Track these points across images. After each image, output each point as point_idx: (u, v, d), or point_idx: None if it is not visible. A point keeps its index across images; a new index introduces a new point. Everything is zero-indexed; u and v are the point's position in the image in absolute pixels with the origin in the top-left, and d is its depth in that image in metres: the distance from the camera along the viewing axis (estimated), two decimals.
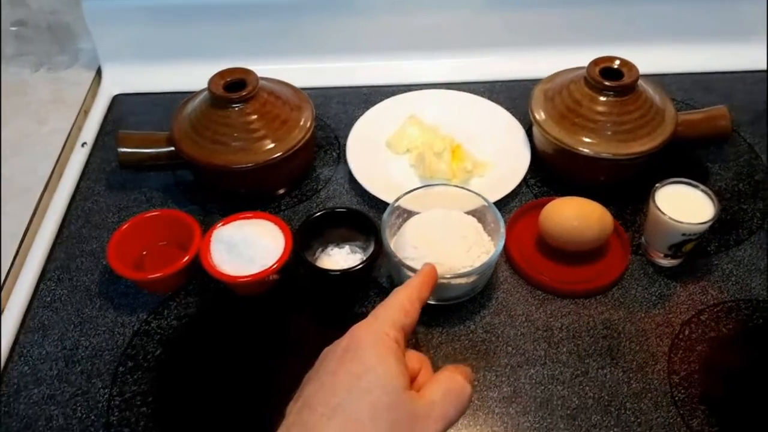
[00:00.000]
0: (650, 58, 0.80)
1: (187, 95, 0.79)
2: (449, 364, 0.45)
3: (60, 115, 0.90)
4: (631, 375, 0.61)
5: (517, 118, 0.85)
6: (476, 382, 0.61)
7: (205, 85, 0.75)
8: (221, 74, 0.74)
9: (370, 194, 0.76)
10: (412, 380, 0.43)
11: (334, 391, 0.40)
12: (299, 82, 0.82)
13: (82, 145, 0.86)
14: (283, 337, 0.65)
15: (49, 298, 0.68)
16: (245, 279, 0.64)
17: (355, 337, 0.43)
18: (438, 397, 0.42)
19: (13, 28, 0.94)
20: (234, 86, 0.74)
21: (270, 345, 0.64)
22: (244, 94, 0.72)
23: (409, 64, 0.97)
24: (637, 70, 0.73)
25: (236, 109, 0.73)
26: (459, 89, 0.90)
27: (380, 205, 0.75)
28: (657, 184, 0.67)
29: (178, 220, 0.69)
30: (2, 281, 0.69)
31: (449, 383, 0.43)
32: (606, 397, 0.60)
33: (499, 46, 0.97)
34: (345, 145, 0.82)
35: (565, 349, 0.63)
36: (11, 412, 0.59)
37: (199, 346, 0.64)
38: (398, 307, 0.45)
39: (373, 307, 0.65)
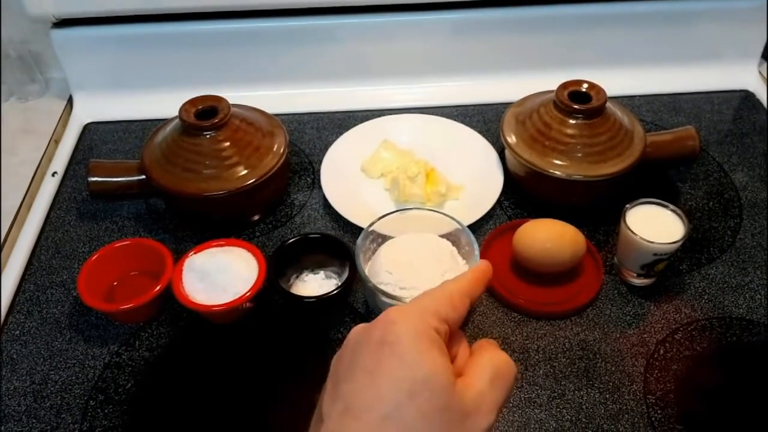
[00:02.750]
0: (619, 81, 0.82)
1: (160, 123, 0.78)
2: (482, 339, 0.40)
3: (30, 145, 0.89)
4: (607, 396, 0.61)
5: (489, 142, 0.86)
6: None
7: (177, 113, 0.74)
8: (192, 102, 0.74)
9: (345, 219, 0.76)
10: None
11: (378, 396, 0.34)
12: (273, 108, 0.82)
13: (53, 175, 0.85)
14: (258, 365, 0.64)
15: (18, 332, 0.67)
16: (218, 308, 0.63)
17: (390, 327, 0.36)
18: (486, 385, 0.36)
19: None
20: (205, 114, 0.73)
21: (245, 374, 0.63)
22: (215, 121, 0.72)
23: (382, 89, 0.98)
24: (604, 93, 0.75)
25: (208, 136, 0.72)
26: (432, 113, 0.91)
27: (355, 230, 0.74)
28: (627, 205, 0.68)
29: (149, 248, 0.68)
30: None
31: (495, 366, 0.37)
32: (583, 420, 0.59)
33: (471, 71, 0.98)
34: (319, 170, 0.82)
35: (541, 372, 0.63)
36: None
37: (172, 378, 0.63)
38: (445, 298, 0.39)
39: (348, 332, 0.66)
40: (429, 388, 0.34)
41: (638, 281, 0.70)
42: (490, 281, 0.44)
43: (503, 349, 0.63)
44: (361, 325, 0.38)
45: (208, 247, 0.68)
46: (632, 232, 0.65)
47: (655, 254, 0.66)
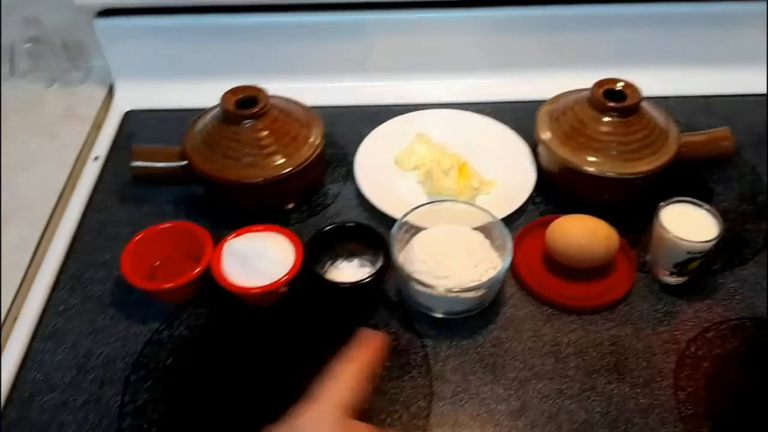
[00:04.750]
0: (652, 81, 0.81)
1: (197, 112, 0.80)
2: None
3: (73, 130, 0.91)
4: (638, 391, 0.62)
5: (522, 138, 0.87)
6: (484, 396, 0.61)
7: (215, 102, 0.76)
8: (233, 91, 0.76)
9: (378, 210, 0.77)
10: None
11: None
12: (309, 100, 0.83)
13: (95, 159, 0.87)
14: (292, 347, 0.65)
15: (62, 307, 0.69)
16: (255, 290, 0.64)
17: (300, 428, 0.40)
18: None
19: (27, 45, 0.96)
20: (245, 103, 0.75)
21: (279, 355, 0.65)
22: (255, 110, 0.74)
23: (416, 84, 0.99)
24: (639, 92, 0.75)
25: (247, 125, 0.74)
26: (465, 109, 0.92)
27: (387, 221, 0.75)
28: (662, 203, 0.68)
29: (190, 232, 0.70)
30: (17, 290, 0.70)
31: None
32: (613, 413, 0.60)
33: (504, 69, 0.99)
34: (353, 162, 0.83)
35: (572, 365, 0.64)
36: (24, 418, 0.60)
37: (209, 356, 0.65)
38: (346, 387, 0.42)
39: (382, 320, 0.67)
40: None
41: (671, 279, 0.70)
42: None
43: (532, 342, 0.66)
44: (271, 429, 0.40)
45: (247, 232, 0.69)
46: (666, 230, 0.66)
47: (688, 253, 0.66)
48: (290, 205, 0.80)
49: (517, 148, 0.86)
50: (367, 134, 0.87)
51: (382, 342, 0.47)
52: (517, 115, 0.93)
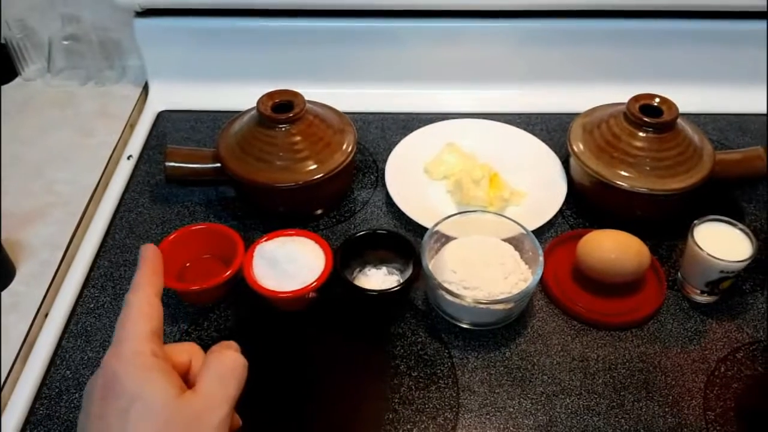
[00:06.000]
0: (685, 98, 0.80)
1: (229, 114, 0.81)
2: (216, 344, 0.44)
3: (107, 128, 0.92)
4: (666, 409, 0.61)
5: (553, 150, 0.86)
6: (512, 409, 0.61)
7: (248, 106, 0.77)
8: (270, 95, 0.76)
9: (406, 218, 0.77)
10: (185, 375, 0.42)
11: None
12: (339, 106, 0.84)
13: (128, 158, 0.88)
14: (319, 352, 0.66)
15: (92, 305, 0.70)
16: (285, 294, 0.65)
17: (109, 370, 0.40)
18: (214, 384, 0.41)
19: (65, 42, 0.97)
20: (281, 107, 0.76)
21: (306, 359, 0.65)
22: (291, 115, 0.74)
23: (446, 93, 0.99)
24: (676, 108, 0.75)
25: (282, 129, 0.74)
26: (496, 120, 0.92)
27: (415, 230, 0.76)
28: (696, 221, 0.68)
29: (222, 234, 0.70)
30: (48, 286, 0.71)
31: (220, 364, 0.42)
32: (641, 431, 0.60)
33: (535, 80, 0.99)
34: (383, 169, 0.84)
35: (600, 381, 0.63)
36: (52, 416, 0.60)
37: None
38: (137, 317, 0.42)
39: (409, 328, 0.67)
40: (151, 408, 0.38)
41: (702, 298, 0.70)
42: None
43: (560, 357, 0.65)
44: (90, 379, 0.41)
45: (278, 236, 0.70)
46: (700, 247, 0.65)
47: (721, 272, 0.65)
48: (319, 211, 0.80)
49: (548, 160, 0.86)
50: (397, 142, 0.88)
51: (152, 252, 0.46)
52: (549, 127, 0.93)
